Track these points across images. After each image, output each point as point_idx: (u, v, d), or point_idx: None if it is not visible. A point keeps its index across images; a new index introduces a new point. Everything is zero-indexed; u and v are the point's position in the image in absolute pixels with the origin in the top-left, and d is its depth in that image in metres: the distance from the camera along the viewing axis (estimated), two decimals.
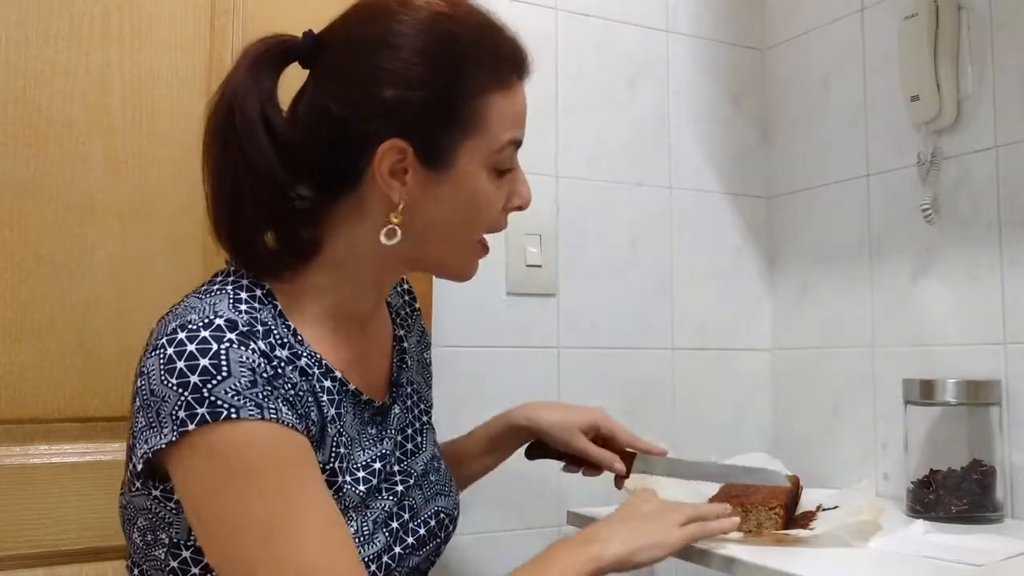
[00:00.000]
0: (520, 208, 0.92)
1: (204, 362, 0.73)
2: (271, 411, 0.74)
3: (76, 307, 1.13)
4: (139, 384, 0.77)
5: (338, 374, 0.86)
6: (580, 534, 0.94)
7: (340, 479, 0.83)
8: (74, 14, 1.14)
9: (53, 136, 1.13)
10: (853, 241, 1.49)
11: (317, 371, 0.84)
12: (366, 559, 0.83)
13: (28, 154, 1.12)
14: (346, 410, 0.87)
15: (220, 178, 0.84)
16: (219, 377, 0.73)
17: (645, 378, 1.54)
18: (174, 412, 0.73)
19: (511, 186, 0.91)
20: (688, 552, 0.99)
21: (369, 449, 0.89)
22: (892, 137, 1.43)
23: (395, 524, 0.89)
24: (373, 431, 0.91)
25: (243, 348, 0.75)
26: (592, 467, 1.11)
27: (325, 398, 0.84)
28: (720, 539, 1.00)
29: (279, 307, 0.84)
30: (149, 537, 0.81)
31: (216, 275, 0.87)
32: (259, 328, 0.78)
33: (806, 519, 1.09)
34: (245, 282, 0.84)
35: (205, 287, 0.85)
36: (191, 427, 0.72)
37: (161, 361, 0.74)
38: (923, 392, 1.24)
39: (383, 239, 0.85)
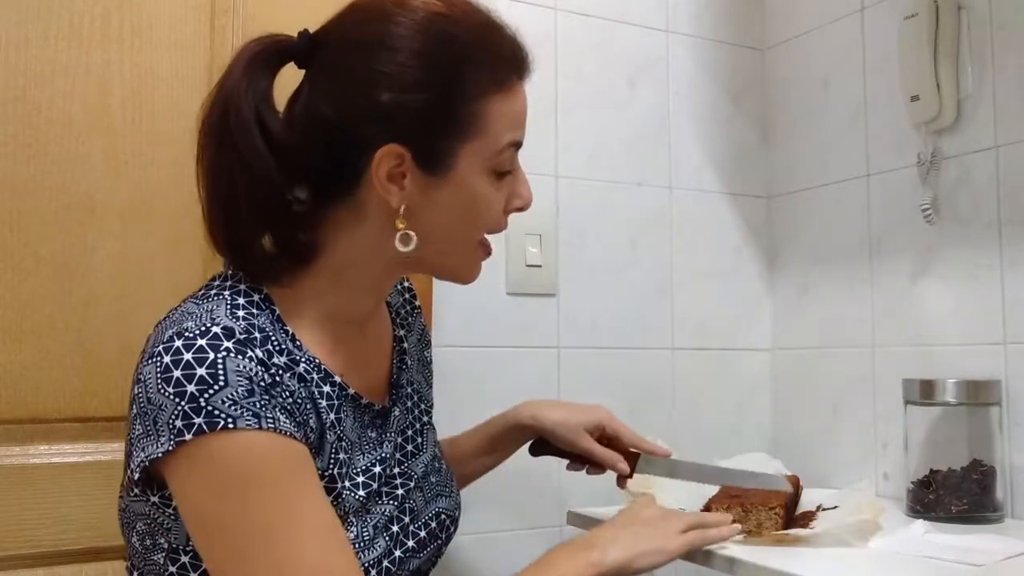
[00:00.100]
0: (521, 209, 0.91)
1: (201, 371, 0.73)
2: (268, 420, 0.74)
3: (76, 307, 1.13)
4: (136, 391, 0.76)
5: (337, 378, 0.86)
6: (580, 539, 0.93)
7: (339, 485, 0.83)
8: (74, 14, 1.14)
9: (53, 136, 1.13)
10: (853, 241, 1.49)
11: (316, 376, 0.83)
12: (366, 564, 0.83)
13: (28, 154, 1.12)
14: (346, 414, 0.86)
15: (215, 180, 0.83)
16: (216, 387, 0.73)
17: (645, 378, 1.54)
18: (171, 421, 0.72)
19: (511, 187, 0.89)
20: (689, 553, 0.98)
21: (369, 453, 0.89)
22: (892, 137, 1.43)
23: (395, 528, 0.88)
24: (373, 434, 0.91)
25: (240, 357, 0.75)
26: (596, 466, 1.11)
27: (324, 404, 0.83)
28: None
29: (277, 312, 0.83)
30: (148, 542, 0.80)
31: (214, 279, 0.86)
32: (257, 335, 0.77)
33: (806, 519, 1.09)
34: (243, 287, 0.83)
35: (203, 291, 0.84)
36: (188, 437, 0.72)
37: (158, 369, 0.74)
38: (923, 392, 1.24)
39: (398, 246, 0.84)
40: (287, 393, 0.78)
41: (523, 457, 1.17)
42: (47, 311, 1.12)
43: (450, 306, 1.37)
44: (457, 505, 1.01)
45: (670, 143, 1.60)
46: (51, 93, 1.13)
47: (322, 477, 0.81)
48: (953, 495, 1.19)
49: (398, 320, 1.03)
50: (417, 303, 1.10)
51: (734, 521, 1.03)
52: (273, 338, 0.80)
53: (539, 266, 1.46)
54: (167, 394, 0.73)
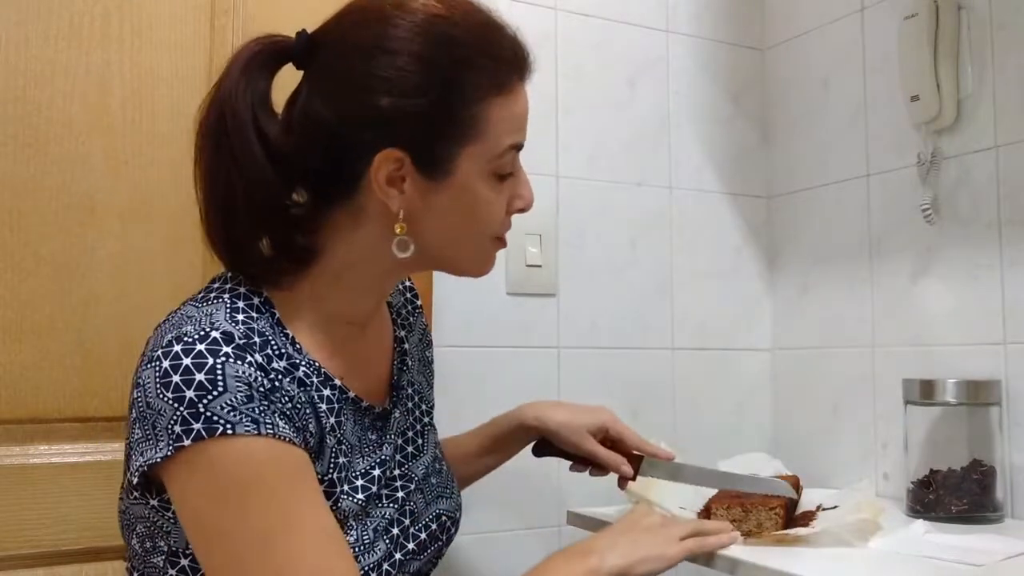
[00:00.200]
0: (523, 210, 0.91)
1: (200, 377, 0.73)
2: (267, 426, 0.74)
3: (76, 307, 1.13)
4: (135, 395, 0.76)
5: (337, 382, 0.86)
6: (579, 545, 0.93)
7: (339, 489, 0.83)
8: (74, 14, 1.14)
9: (53, 136, 1.13)
10: (853, 241, 1.49)
11: (316, 380, 0.83)
12: (366, 568, 0.83)
13: (28, 154, 1.12)
14: (346, 417, 0.86)
15: (212, 183, 0.83)
16: (215, 392, 0.73)
17: (645, 378, 1.54)
18: (170, 427, 0.72)
19: (513, 189, 0.89)
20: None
21: (369, 456, 0.89)
22: (892, 137, 1.43)
23: (395, 530, 0.88)
24: (373, 436, 0.91)
25: (239, 362, 0.74)
26: (599, 467, 1.11)
27: (324, 407, 0.83)
28: None
29: (277, 315, 0.83)
30: (148, 544, 0.80)
31: (214, 281, 0.86)
32: (256, 340, 0.77)
33: (806, 519, 1.09)
34: (243, 290, 0.83)
35: (202, 294, 0.84)
36: (187, 442, 0.72)
37: (157, 374, 0.74)
38: (923, 392, 1.24)
39: (395, 252, 0.83)
40: (286, 398, 0.77)
41: (523, 457, 1.17)
42: (47, 311, 1.12)
43: (450, 306, 1.37)
44: (458, 506, 1.01)
45: (670, 143, 1.60)
46: (51, 93, 1.13)
47: (322, 481, 0.80)
48: (953, 495, 1.19)
49: (399, 320, 1.03)
50: (419, 302, 1.09)
51: (734, 521, 1.03)
52: (273, 342, 0.79)
53: (539, 266, 1.46)
54: (166, 399, 0.73)
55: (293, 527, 0.74)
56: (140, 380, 0.76)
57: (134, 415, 0.76)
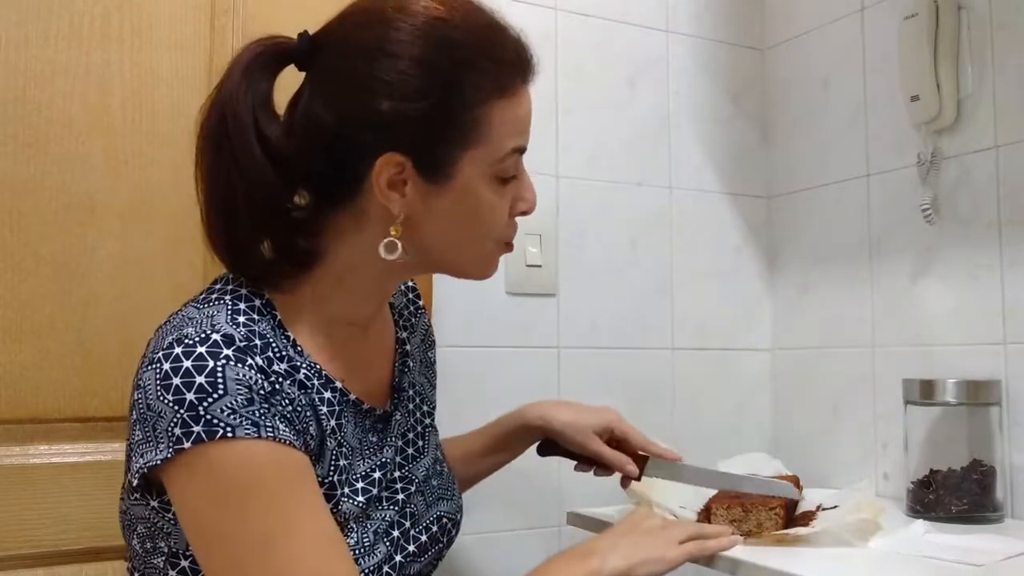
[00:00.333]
0: (525, 213, 0.90)
1: (200, 379, 0.73)
2: (268, 429, 0.74)
3: (76, 307, 1.13)
4: (136, 397, 0.76)
5: (338, 384, 0.85)
6: (579, 547, 0.93)
7: (339, 492, 0.83)
8: (74, 14, 1.14)
9: (53, 136, 1.13)
10: (853, 241, 1.49)
11: (316, 382, 0.83)
12: (367, 570, 0.83)
13: (28, 154, 1.12)
14: (346, 420, 0.86)
15: (213, 185, 0.82)
16: (215, 395, 0.72)
17: (645, 378, 1.54)
18: (170, 429, 0.72)
19: (516, 191, 0.88)
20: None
21: (370, 459, 0.89)
22: (892, 137, 1.43)
23: (396, 533, 0.88)
24: (374, 439, 0.91)
25: (240, 365, 0.74)
26: (603, 468, 1.11)
27: (324, 410, 0.83)
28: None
29: (278, 317, 0.83)
30: (148, 545, 0.80)
31: (215, 282, 0.86)
32: (257, 342, 0.77)
33: (806, 519, 1.09)
34: (244, 291, 0.83)
35: (204, 295, 0.83)
36: (187, 445, 0.72)
37: (157, 376, 0.74)
38: (923, 392, 1.24)
39: (383, 253, 0.83)
40: (287, 401, 0.77)
41: (523, 457, 1.17)
42: (47, 311, 1.12)
43: (450, 306, 1.37)
44: (459, 508, 1.00)
45: (670, 143, 1.60)
46: (51, 93, 1.13)
47: (322, 484, 0.80)
48: (953, 495, 1.19)
49: (401, 322, 1.02)
50: (421, 303, 1.09)
51: (734, 521, 1.03)
52: (274, 344, 0.79)
53: (539, 266, 1.46)
54: (166, 401, 0.73)
55: (293, 530, 0.74)
56: (141, 382, 0.76)
57: (134, 417, 0.76)
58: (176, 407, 0.72)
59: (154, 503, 0.78)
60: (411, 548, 0.89)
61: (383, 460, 0.90)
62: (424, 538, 0.91)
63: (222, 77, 0.83)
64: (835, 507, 1.10)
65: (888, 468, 1.41)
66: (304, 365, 0.82)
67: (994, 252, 1.27)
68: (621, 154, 1.55)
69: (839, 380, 1.51)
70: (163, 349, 0.75)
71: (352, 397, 0.87)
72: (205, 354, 0.74)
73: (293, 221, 0.85)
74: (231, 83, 0.82)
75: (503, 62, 0.84)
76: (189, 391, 0.72)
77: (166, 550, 0.79)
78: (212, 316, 0.78)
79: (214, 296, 0.82)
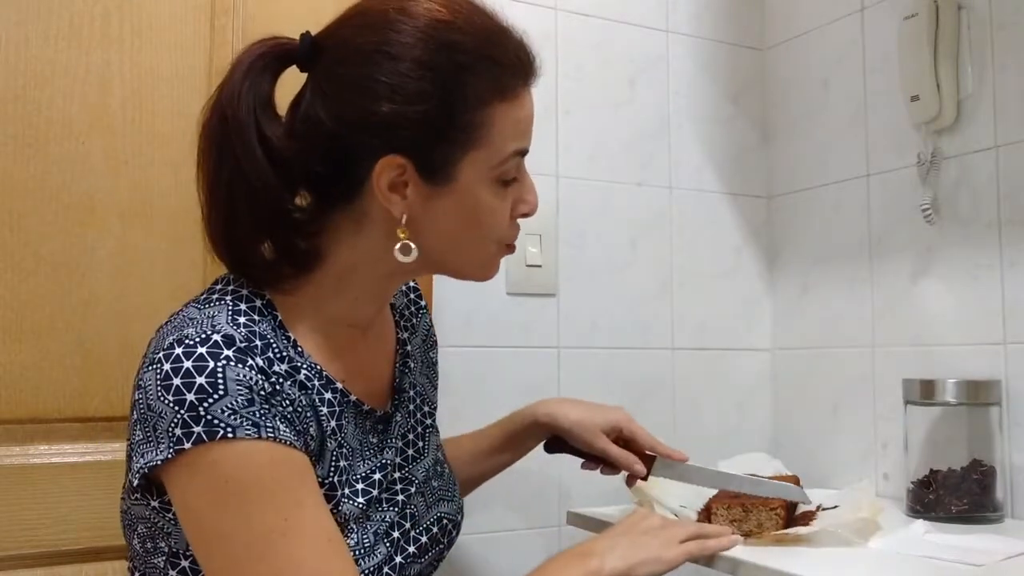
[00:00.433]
0: (527, 215, 0.90)
1: (200, 380, 0.73)
2: (268, 430, 0.74)
3: (76, 307, 1.13)
4: (136, 397, 0.76)
5: (339, 385, 0.85)
6: (579, 547, 0.93)
7: (339, 493, 0.83)
8: (74, 14, 1.14)
9: (53, 136, 1.13)
10: (853, 241, 1.49)
11: (317, 383, 0.83)
12: (367, 571, 0.83)
13: (28, 154, 1.12)
14: (347, 421, 0.86)
15: (214, 185, 0.82)
16: (216, 396, 0.73)
17: (645, 378, 1.54)
18: (170, 429, 0.72)
19: (517, 194, 0.88)
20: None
21: (370, 460, 0.89)
22: (892, 137, 1.43)
23: (396, 534, 0.88)
24: (375, 440, 0.91)
25: (240, 365, 0.74)
26: (610, 466, 1.11)
27: (325, 411, 0.83)
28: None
29: (279, 318, 0.83)
30: (149, 544, 0.80)
31: (216, 282, 0.86)
32: (257, 343, 0.77)
33: (806, 519, 1.09)
34: (245, 292, 0.83)
35: (205, 296, 0.83)
36: (187, 445, 0.72)
37: (158, 376, 0.74)
38: (923, 392, 1.24)
39: (398, 256, 0.83)
40: (287, 401, 0.77)
41: (524, 457, 1.17)
42: (47, 311, 1.12)
43: (450, 306, 1.37)
44: (459, 509, 1.00)
45: (670, 143, 1.60)
46: (51, 93, 1.13)
47: (322, 485, 0.80)
48: (953, 495, 1.19)
49: (402, 322, 1.02)
50: (422, 303, 1.09)
51: (734, 520, 1.03)
52: (274, 345, 0.79)
53: (539, 266, 1.46)
54: (167, 402, 0.73)
55: (293, 530, 0.74)
56: (141, 382, 0.76)
57: (135, 417, 0.76)
58: (177, 407, 0.72)
59: (155, 503, 0.78)
60: (411, 549, 0.89)
61: (383, 461, 0.90)
62: (424, 539, 0.91)
63: (224, 78, 0.83)
64: (835, 507, 1.11)
65: (888, 468, 1.41)
66: (305, 366, 0.82)
67: (994, 252, 1.27)
68: (621, 154, 1.55)
69: (839, 380, 1.51)
70: (164, 349, 0.75)
71: (353, 398, 0.87)
72: (206, 355, 0.74)
73: (294, 222, 0.85)
74: (232, 84, 0.82)
75: (505, 64, 0.84)
76: (189, 392, 0.72)
77: (166, 550, 0.79)
78: (213, 316, 0.78)
79: (215, 296, 0.82)
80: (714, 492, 1.13)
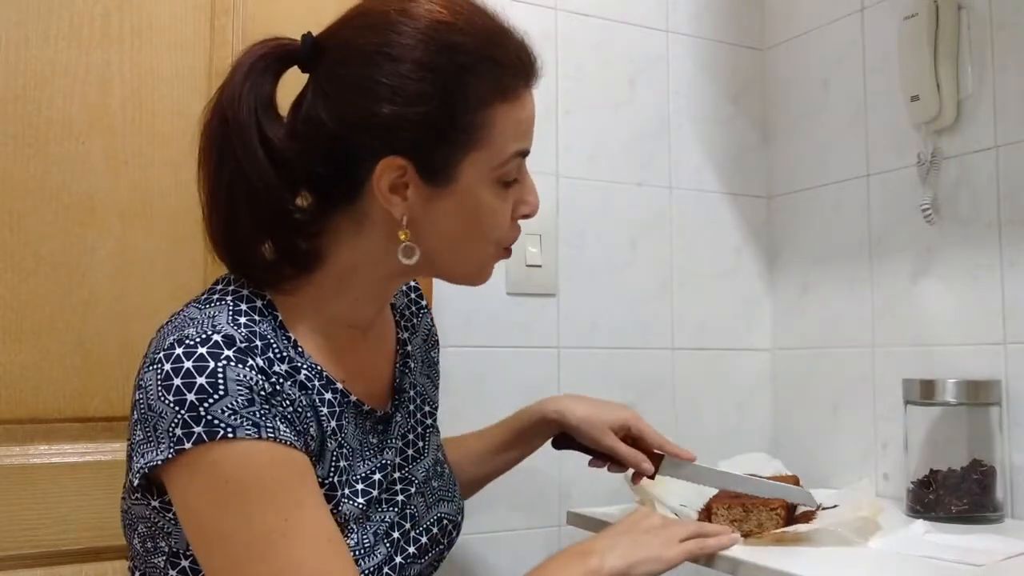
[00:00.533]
0: (527, 216, 0.90)
1: (201, 380, 0.73)
2: (268, 430, 0.74)
3: (76, 307, 1.13)
4: (137, 397, 0.76)
5: (339, 385, 0.85)
6: (579, 546, 0.93)
7: (339, 493, 0.83)
8: (74, 14, 1.14)
9: (53, 136, 1.13)
10: (853, 241, 1.49)
11: (317, 383, 0.83)
12: (367, 571, 0.83)
13: (28, 154, 1.12)
14: (347, 421, 0.86)
15: (215, 186, 0.82)
16: (216, 396, 0.73)
17: (645, 378, 1.54)
18: (171, 429, 0.72)
19: (518, 195, 0.88)
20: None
21: (370, 460, 0.89)
22: (892, 137, 1.43)
23: (396, 534, 0.88)
24: (375, 440, 0.91)
25: (240, 366, 0.74)
26: (618, 464, 1.11)
27: (325, 411, 0.83)
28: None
29: (279, 318, 0.83)
30: (149, 544, 0.80)
31: (217, 282, 0.86)
32: (258, 343, 0.77)
33: (806, 518, 1.09)
34: (246, 292, 0.83)
35: (205, 296, 0.83)
36: (187, 445, 0.72)
37: (158, 377, 0.74)
38: (923, 392, 1.24)
39: (401, 258, 0.83)
40: (287, 402, 0.77)
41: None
42: (47, 311, 1.12)
43: (450, 306, 1.37)
44: (459, 510, 1.00)
45: (670, 143, 1.60)
46: (51, 93, 1.13)
47: (322, 485, 0.80)
48: (953, 495, 1.19)
49: (402, 322, 1.02)
50: (423, 303, 1.09)
51: (734, 520, 1.03)
52: (275, 345, 0.79)
53: (539, 266, 1.46)
54: (167, 402, 0.73)
55: (293, 530, 0.74)
56: (142, 382, 0.76)
57: (135, 417, 0.76)
58: (177, 408, 0.72)
59: (155, 503, 0.78)
60: (411, 550, 0.89)
61: (383, 462, 0.90)
62: (424, 540, 0.91)
63: (225, 79, 0.83)
64: (835, 506, 1.11)
65: (888, 468, 1.41)
66: (305, 366, 0.82)
67: (994, 252, 1.28)
68: (621, 154, 1.55)
69: (839, 380, 1.51)
70: (164, 350, 0.75)
71: (353, 398, 0.87)
72: (206, 355, 0.74)
73: (295, 223, 0.85)
74: (234, 84, 0.82)
75: (506, 65, 0.84)
76: (190, 392, 0.72)
77: (167, 550, 0.79)
78: (213, 317, 0.78)
79: (215, 297, 0.82)
80: (714, 491, 1.13)
